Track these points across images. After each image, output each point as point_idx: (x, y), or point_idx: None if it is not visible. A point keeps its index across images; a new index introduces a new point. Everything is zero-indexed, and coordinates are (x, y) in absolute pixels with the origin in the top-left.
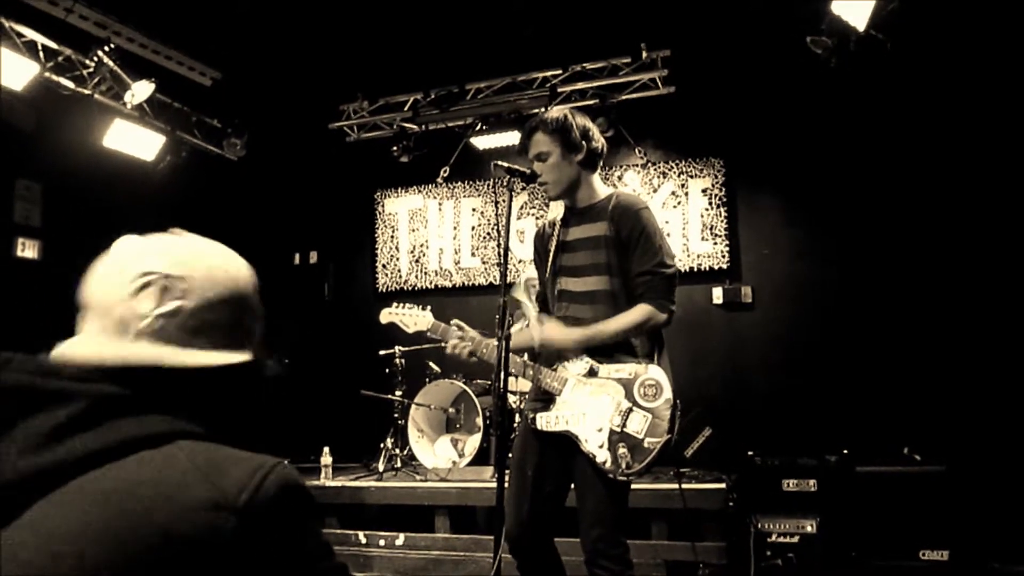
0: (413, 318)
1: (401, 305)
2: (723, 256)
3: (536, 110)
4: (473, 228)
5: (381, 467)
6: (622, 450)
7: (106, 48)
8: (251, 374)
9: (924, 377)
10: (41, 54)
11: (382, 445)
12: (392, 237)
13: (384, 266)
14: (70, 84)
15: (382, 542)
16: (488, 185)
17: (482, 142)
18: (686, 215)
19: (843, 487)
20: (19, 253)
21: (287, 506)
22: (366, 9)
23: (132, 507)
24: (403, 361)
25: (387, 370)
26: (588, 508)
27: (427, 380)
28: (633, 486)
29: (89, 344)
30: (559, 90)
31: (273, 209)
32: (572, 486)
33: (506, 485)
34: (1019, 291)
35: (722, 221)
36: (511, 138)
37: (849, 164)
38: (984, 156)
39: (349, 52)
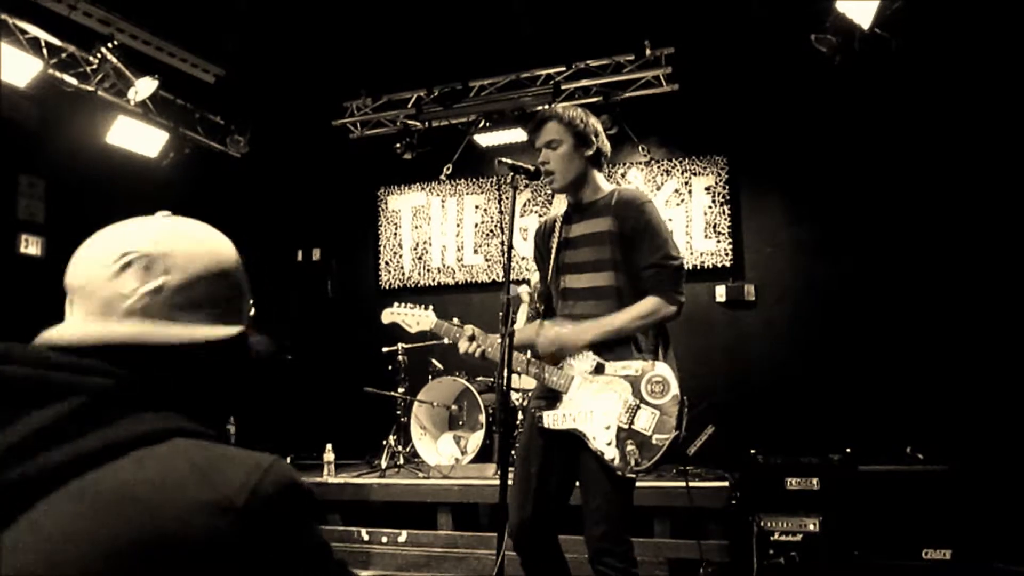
0: (416, 318)
1: (403, 305)
2: (726, 254)
3: (539, 107)
4: (476, 225)
5: (384, 464)
6: (631, 447)
7: (109, 45)
8: (240, 348)
9: (927, 376)
10: (45, 51)
11: (385, 442)
12: (395, 234)
13: (387, 263)
14: (73, 81)
15: (384, 539)
16: (491, 182)
17: (485, 139)
18: (689, 213)
19: (846, 486)
20: (22, 250)
21: (286, 505)
22: (370, 6)
23: (131, 509)
24: (406, 358)
25: (390, 367)
26: (593, 505)
27: (430, 377)
28: (636, 485)
29: (75, 327)
30: (562, 87)
31: (276, 206)
32: (577, 484)
33: (510, 482)
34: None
35: (725, 219)
36: (514, 135)
37: (853, 162)
38: (989, 155)
39: (353, 49)
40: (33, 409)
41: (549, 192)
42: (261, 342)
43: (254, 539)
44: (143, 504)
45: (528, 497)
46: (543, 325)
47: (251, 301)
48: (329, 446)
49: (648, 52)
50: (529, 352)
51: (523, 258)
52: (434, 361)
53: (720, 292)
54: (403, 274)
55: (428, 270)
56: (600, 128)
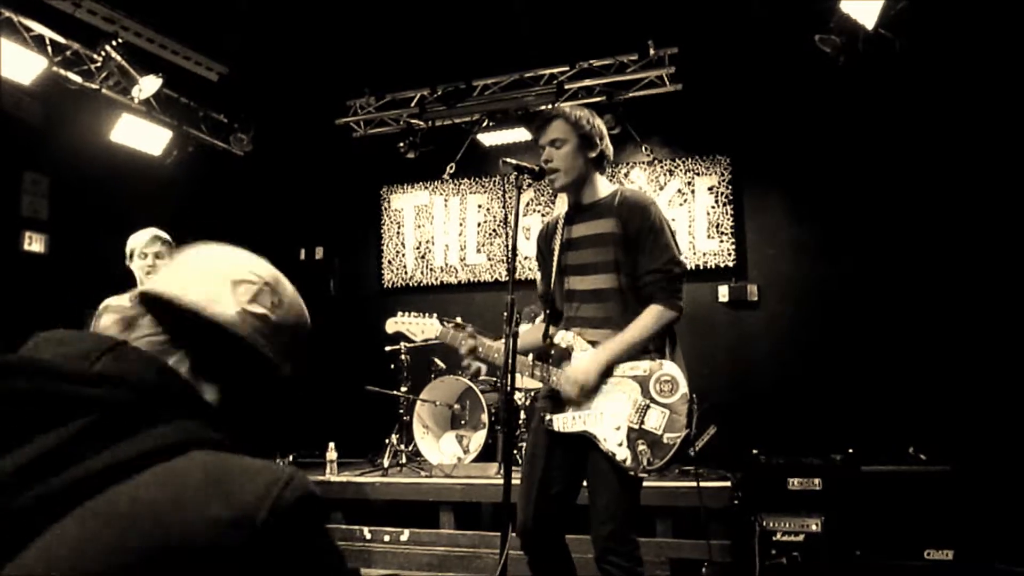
0: (420, 326)
1: (407, 314)
2: (729, 254)
3: (543, 107)
4: (479, 225)
5: (386, 463)
6: (642, 447)
7: (114, 43)
8: (283, 393)
9: (930, 377)
10: (49, 48)
11: (387, 441)
12: (398, 233)
13: (389, 262)
14: (78, 78)
15: (387, 538)
16: (494, 182)
17: (488, 139)
18: (692, 213)
19: (848, 486)
20: (26, 247)
21: (304, 519)
22: (373, 5)
23: (149, 527)
24: (408, 357)
25: (392, 366)
26: (600, 505)
27: (432, 376)
28: (642, 484)
29: (185, 291)
30: (566, 87)
31: (279, 204)
32: (584, 483)
33: (515, 482)
34: None
35: (728, 219)
36: (517, 135)
37: (856, 163)
38: (992, 156)
39: (356, 48)
40: (45, 426)
41: (552, 192)
42: (287, 387)
43: (272, 552)
44: (159, 520)
45: (534, 498)
46: (561, 367)
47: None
48: (332, 445)
49: (652, 52)
50: (531, 355)
51: (526, 258)
52: (436, 360)
53: (723, 292)
54: (406, 273)
55: (431, 269)
56: (605, 131)
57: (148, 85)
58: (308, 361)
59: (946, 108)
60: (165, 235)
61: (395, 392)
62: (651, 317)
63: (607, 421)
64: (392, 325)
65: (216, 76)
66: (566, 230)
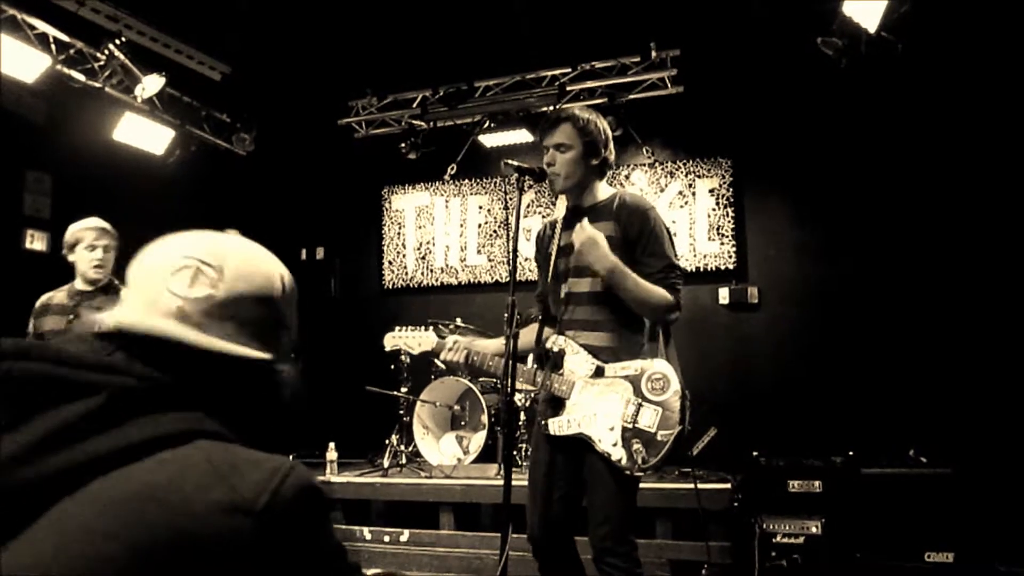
0: (417, 339)
1: (404, 329)
2: (730, 256)
3: (544, 108)
4: (480, 226)
5: (386, 463)
6: (636, 446)
7: (117, 41)
8: (265, 375)
9: (931, 379)
10: (53, 47)
11: (387, 441)
12: (399, 234)
13: (390, 263)
14: (81, 77)
15: (387, 538)
16: (495, 183)
17: (490, 140)
18: (693, 215)
19: (848, 488)
20: (28, 245)
21: (305, 509)
22: (376, 5)
23: (152, 512)
24: (408, 357)
25: (393, 366)
26: (597, 506)
27: (432, 377)
28: (639, 485)
29: (120, 315)
30: (568, 88)
31: (281, 204)
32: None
33: (514, 483)
34: None
35: (729, 221)
36: (519, 136)
37: (858, 166)
38: (993, 159)
39: (358, 48)
40: (52, 407)
41: (553, 194)
42: (289, 378)
43: (272, 541)
44: (162, 505)
45: (539, 504)
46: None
47: (292, 335)
48: (332, 445)
49: (654, 54)
50: (530, 359)
51: (526, 259)
52: (437, 361)
53: (723, 294)
54: (406, 274)
55: (431, 270)
56: (611, 137)
57: (151, 84)
58: (294, 316)
59: (947, 111)
60: (110, 226)
61: (395, 393)
62: (657, 290)
63: (601, 422)
64: (390, 341)
65: (219, 76)
66: (564, 234)
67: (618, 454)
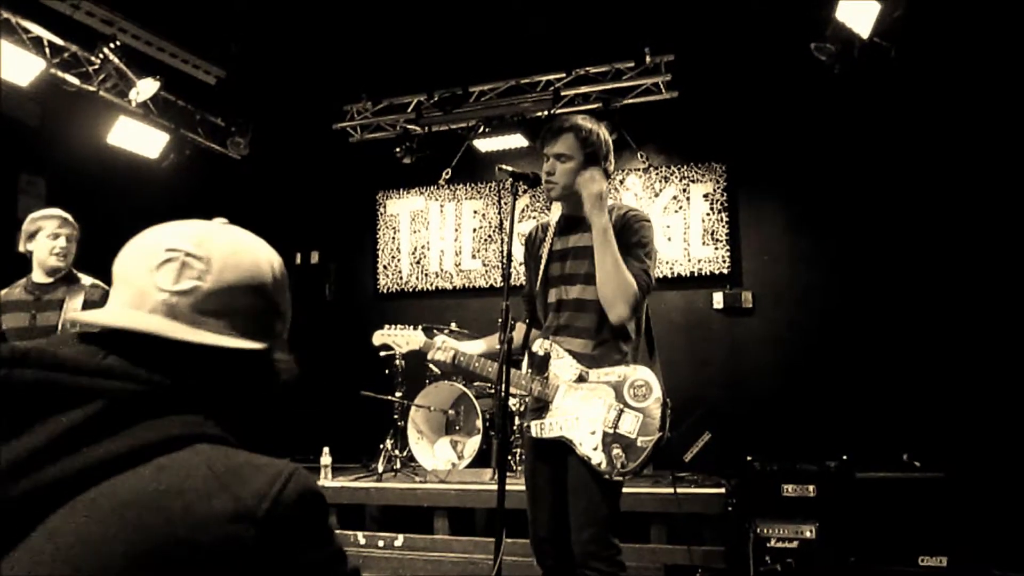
0: (405, 338)
1: (393, 326)
2: (724, 261)
3: (539, 113)
4: (474, 230)
5: (380, 468)
6: (616, 451)
7: (112, 45)
8: (262, 365)
9: (924, 383)
10: (47, 50)
11: (381, 446)
12: (393, 238)
13: (385, 267)
14: (75, 81)
15: (381, 543)
16: (490, 188)
17: (484, 144)
18: (687, 220)
19: (842, 493)
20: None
21: (306, 514)
22: (371, 10)
23: (152, 518)
24: (403, 362)
25: (387, 371)
26: (579, 510)
27: (427, 381)
28: (633, 490)
29: (107, 313)
30: (562, 93)
31: (275, 208)
32: None
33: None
34: (1020, 298)
35: (723, 226)
36: (514, 141)
37: (851, 171)
38: (987, 163)
39: (353, 52)
40: (50, 415)
41: (547, 199)
42: (288, 366)
43: (274, 548)
44: (163, 512)
45: (536, 511)
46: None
47: (287, 322)
48: (326, 449)
49: (648, 59)
50: (525, 364)
51: (520, 263)
52: (431, 366)
53: (717, 299)
54: (401, 278)
55: (426, 275)
56: (612, 148)
57: (146, 88)
58: (288, 302)
59: (941, 117)
60: (71, 217)
61: (390, 397)
62: (628, 272)
63: (583, 426)
64: (378, 337)
65: (214, 79)
66: (557, 240)
67: (598, 458)
